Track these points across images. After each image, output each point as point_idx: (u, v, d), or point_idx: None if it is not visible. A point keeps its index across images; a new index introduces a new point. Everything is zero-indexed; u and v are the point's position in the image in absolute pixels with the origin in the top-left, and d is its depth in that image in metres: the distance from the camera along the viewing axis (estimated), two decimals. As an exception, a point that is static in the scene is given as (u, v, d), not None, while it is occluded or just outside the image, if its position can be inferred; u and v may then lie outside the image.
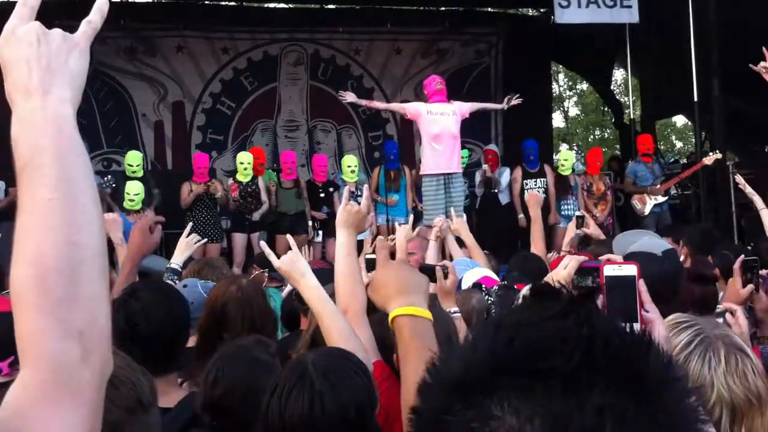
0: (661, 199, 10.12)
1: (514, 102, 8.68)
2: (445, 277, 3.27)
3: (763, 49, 5.03)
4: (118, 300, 2.49)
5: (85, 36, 1.11)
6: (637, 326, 1.50)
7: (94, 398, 0.96)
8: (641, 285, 1.52)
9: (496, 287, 3.42)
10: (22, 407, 0.92)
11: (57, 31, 1.08)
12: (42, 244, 0.96)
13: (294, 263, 2.67)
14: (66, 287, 0.95)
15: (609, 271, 1.50)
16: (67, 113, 1.04)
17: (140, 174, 9.50)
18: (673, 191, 10.49)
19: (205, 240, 4.60)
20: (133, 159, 9.61)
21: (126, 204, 8.87)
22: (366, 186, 3.35)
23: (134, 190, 8.95)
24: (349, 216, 2.79)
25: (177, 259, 4.18)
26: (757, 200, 5.47)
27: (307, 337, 2.83)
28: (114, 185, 9.08)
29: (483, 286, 3.69)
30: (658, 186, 10.15)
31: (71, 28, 1.11)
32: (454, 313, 3.03)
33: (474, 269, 4.05)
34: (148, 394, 1.48)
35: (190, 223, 5.38)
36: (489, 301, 3.26)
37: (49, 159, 0.99)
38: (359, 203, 2.85)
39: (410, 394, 1.54)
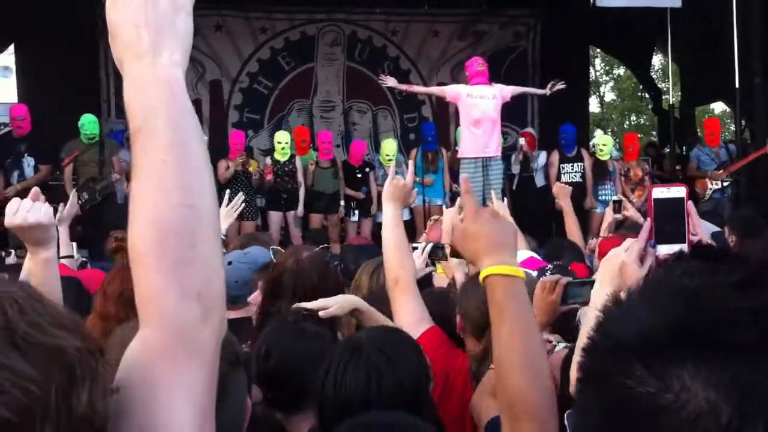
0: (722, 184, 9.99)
1: (558, 87, 8.56)
2: None
3: None
4: None
5: None
6: (684, 248, 1.47)
7: (213, 357, 0.98)
8: (690, 206, 1.48)
9: (550, 267, 3.42)
10: (145, 364, 0.94)
11: None
12: (159, 207, 0.97)
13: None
14: (184, 249, 0.96)
15: (657, 193, 1.46)
16: (178, 76, 1.04)
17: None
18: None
19: (243, 202, 4.68)
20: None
21: None
22: (411, 161, 3.36)
23: None
24: (396, 189, 2.84)
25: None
26: None
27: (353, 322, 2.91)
28: None
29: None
30: (720, 171, 10.01)
31: None
32: None
33: (520, 251, 4.05)
34: (241, 350, 1.53)
35: (228, 191, 5.48)
36: None
37: (162, 122, 0.99)
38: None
39: (504, 355, 1.51)
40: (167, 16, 1.04)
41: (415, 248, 3.53)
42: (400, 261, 2.67)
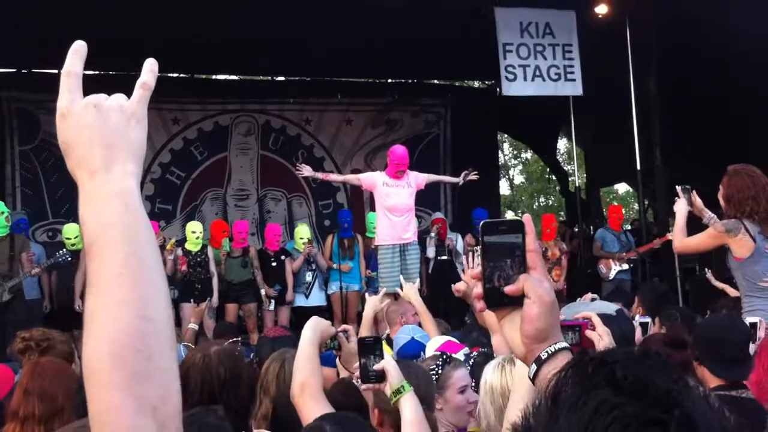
0: (624, 266, 10.37)
1: (471, 177, 8.72)
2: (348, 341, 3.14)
3: (678, 188, 5.04)
4: None
5: (141, 102, 1.10)
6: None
7: None
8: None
9: (475, 353, 3.44)
10: None
11: (113, 103, 1.07)
12: (115, 320, 0.94)
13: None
14: (140, 362, 0.93)
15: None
16: (132, 187, 1.03)
17: (80, 246, 9.28)
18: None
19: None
20: (71, 232, 9.53)
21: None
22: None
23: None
24: (325, 332, 2.88)
25: None
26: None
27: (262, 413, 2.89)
28: (70, 258, 8.89)
29: (445, 353, 3.73)
30: (624, 254, 10.39)
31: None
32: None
33: (437, 338, 4.08)
34: None
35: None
36: (469, 368, 3.26)
37: (116, 235, 0.98)
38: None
39: None
40: (119, 128, 1.05)
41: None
42: (311, 369, 2.69)
